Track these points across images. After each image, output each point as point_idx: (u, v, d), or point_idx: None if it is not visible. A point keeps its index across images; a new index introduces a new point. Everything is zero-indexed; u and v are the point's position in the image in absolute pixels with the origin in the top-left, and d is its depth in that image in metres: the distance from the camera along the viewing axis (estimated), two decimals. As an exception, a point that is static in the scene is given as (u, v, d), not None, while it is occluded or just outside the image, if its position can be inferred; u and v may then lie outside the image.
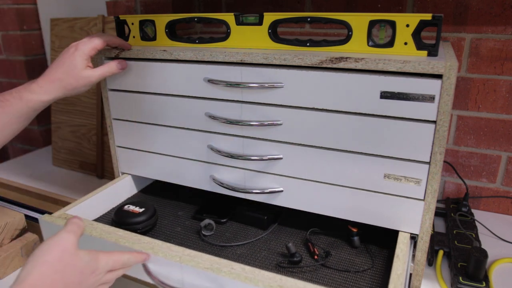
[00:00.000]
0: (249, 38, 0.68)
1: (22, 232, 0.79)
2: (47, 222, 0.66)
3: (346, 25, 0.61)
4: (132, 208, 0.74)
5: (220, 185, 0.74)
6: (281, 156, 0.67)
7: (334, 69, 0.59)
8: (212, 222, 0.73)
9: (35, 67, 1.40)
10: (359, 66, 0.57)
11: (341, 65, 0.58)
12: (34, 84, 0.66)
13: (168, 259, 0.55)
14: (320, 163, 0.64)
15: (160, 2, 1.06)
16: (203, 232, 0.72)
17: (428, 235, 0.61)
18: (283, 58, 0.61)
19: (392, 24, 0.58)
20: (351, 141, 0.61)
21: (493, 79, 0.85)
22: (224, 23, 0.69)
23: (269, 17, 0.65)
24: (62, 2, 1.27)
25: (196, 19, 0.71)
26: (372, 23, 0.59)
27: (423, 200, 0.59)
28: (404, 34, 0.58)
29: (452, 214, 0.86)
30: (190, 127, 0.74)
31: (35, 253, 0.47)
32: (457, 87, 0.88)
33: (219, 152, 0.71)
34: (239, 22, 0.68)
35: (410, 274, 0.64)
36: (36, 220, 0.85)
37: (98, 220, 0.77)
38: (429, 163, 0.57)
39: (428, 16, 0.56)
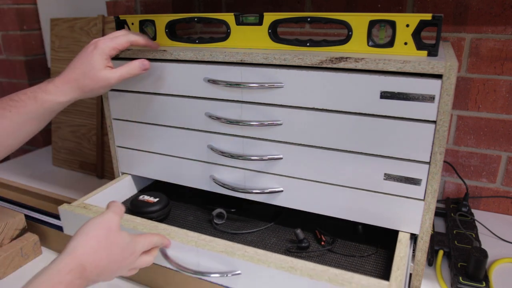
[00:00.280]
0: (249, 38, 0.68)
1: (22, 232, 0.79)
2: (67, 210, 0.69)
3: (346, 25, 0.61)
4: (147, 198, 0.78)
5: (220, 185, 0.74)
6: (281, 156, 0.67)
7: (334, 69, 0.59)
8: (223, 211, 0.76)
9: (35, 67, 1.40)
10: (359, 66, 0.57)
11: (341, 65, 0.58)
12: (50, 84, 0.63)
13: (184, 243, 0.59)
14: (320, 163, 0.64)
15: (160, 2, 1.06)
16: (215, 221, 0.75)
17: (428, 235, 0.61)
18: (283, 58, 0.61)
19: (392, 24, 0.58)
20: (351, 141, 0.61)
21: (493, 79, 0.85)
22: (224, 23, 0.69)
23: (269, 17, 0.65)
24: (62, 2, 1.27)
25: (196, 19, 0.71)
26: (372, 23, 0.59)
27: (423, 200, 0.59)
28: (404, 34, 0.58)
29: (452, 214, 0.86)
30: (190, 127, 0.74)
31: (83, 228, 0.50)
32: (457, 87, 0.88)
33: (219, 152, 0.71)
34: (239, 22, 0.68)
35: (410, 274, 0.64)
36: (36, 220, 0.85)
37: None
38: (429, 163, 0.57)
39: (428, 16, 0.56)
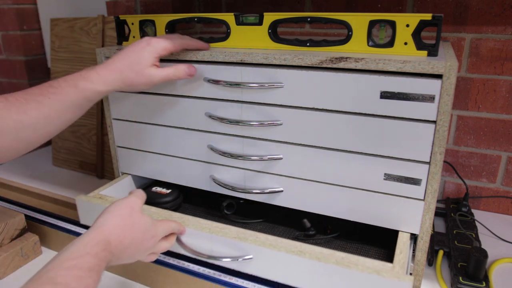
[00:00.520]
0: (249, 38, 0.68)
1: (22, 232, 0.79)
2: (83, 201, 0.73)
3: (346, 25, 0.61)
4: (159, 189, 0.83)
5: (220, 185, 0.74)
6: (281, 156, 0.67)
7: (334, 69, 0.59)
8: (233, 201, 0.79)
9: (35, 67, 1.40)
10: (359, 66, 0.57)
11: (341, 65, 0.58)
12: (92, 71, 0.61)
13: (199, 230, 0.63)
14: (320, 163, 0.64)
15: (160, 2, 1.06)
16: (225, 211, 0.78)
17: (428, 235, 0.61)
18: (283, 58, 0.61)
19: (392, 24, 0.58)
20: (351, 141, 0.61)
21: (493, 79, 0.85)
22: (224, 23, 0.69)
23: (269, 17, 0.65)
24: (62, 2, 1.27)
25: (196, 19, 0.71)
26: (372, 23, 0.59)
27: (423, 200, 0.59)
28: (404, 34, 0.58)
29: (452, 214, 0.86)
30: (190, 127, 0.74)
31: (108, 208, 0.54)
32: (457, 87, 0.88)
33: (219, 152, 0.71)
34: (239, 22, 0.68)
35: (410, 274, 0.64)
36: (36, 220, 0.85)
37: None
38: (429, 163, 0.57)
39: (428, 16, 0.56)
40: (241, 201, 0.80)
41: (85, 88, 0.60)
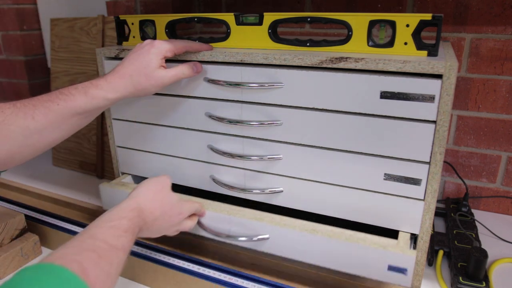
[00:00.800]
0: (249, 38, 0.68)
1: (22, 232, 0.79)
2: (107, 188, 0.79)
3: (346, 25, 0.61)
4: None
5: (220, 185, 0.74)
6: (281, 156, 0.67)
7: (334, 69, 0.59)
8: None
9: (35, 67, 1.40)
10: (359, 66, 0.57)
11: (341, 65, 0.58)
12: (101, 79, 0.61)
13: (218, 212, 0.68)
14: (320, 163, 0.64)
15: (160, 2, 1.06)
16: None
17: (428, 235, 0.61)
18: (283, 58, 0.61)
19: (392, 24, 0.58)
20: (351, 141, 0.61)
21: (493, 79, 0.85)
22: (224, 23, 0.69)
23: (269, 17, 0.65)
24: (62, 2, 1.27)
25: (196, 19, 0.71)
26: (372, 23, 0.59)
27: (423, 200, 0.59)
28: (404, 34, 0.58)
29: (452, 214, 0.86)
30: (190, 127, 0.74)
31: (142, 183, 0.62)
32: (457, 87, 0.88)
33: (219, 152, 0.71)
34: (239, 22, 0.68)
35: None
36: (36, 220, 0.85)
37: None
38: (429, 163, 0.57)
39: (428, 16, 0.56)
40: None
41: (95, 95, 0.60)
